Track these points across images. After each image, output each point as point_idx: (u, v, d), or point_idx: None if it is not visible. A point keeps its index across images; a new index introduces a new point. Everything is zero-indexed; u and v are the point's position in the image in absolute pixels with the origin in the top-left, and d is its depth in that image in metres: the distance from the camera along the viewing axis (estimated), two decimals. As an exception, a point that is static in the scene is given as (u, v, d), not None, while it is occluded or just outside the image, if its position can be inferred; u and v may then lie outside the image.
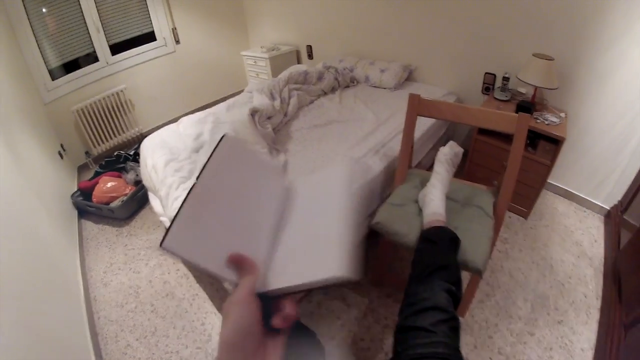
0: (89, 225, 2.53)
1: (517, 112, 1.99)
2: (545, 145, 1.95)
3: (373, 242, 1.71)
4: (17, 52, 2.75)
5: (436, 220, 1.28)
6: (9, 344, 1.05)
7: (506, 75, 2.23)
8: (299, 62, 3.89)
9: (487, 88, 2.40)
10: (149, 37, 3.58)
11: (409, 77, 2.82)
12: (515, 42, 2.18)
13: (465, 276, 1.68)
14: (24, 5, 2.76)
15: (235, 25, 4.24)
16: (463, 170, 2.31)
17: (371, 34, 3.00)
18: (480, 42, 2.34)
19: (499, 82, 2.32)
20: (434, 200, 1.34)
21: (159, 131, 2.25)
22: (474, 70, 2.44)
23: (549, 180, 2.29)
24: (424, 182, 1.48)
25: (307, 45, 3.71)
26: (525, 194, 2.11)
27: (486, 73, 2.37)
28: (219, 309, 1.78)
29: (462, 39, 2.42)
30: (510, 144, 1.38)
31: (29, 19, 2.82)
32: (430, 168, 1.52)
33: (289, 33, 3.85)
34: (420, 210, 1.39)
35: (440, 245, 1.17)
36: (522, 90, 2.23)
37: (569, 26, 1.93)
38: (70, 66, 3.20)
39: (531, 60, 1.93)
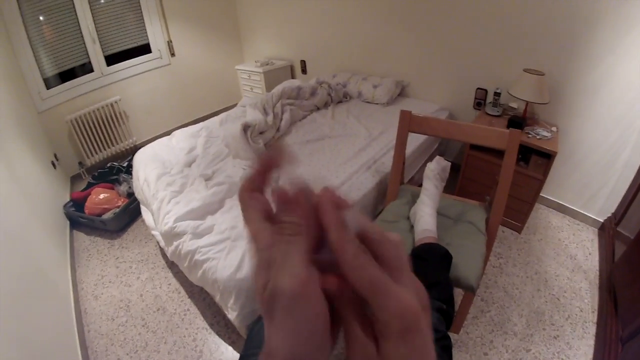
0: (80, 237, 2.51)
1: (508, 127, 2.01)
2: (537, 159, 1.96)
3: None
4: (12, 59, 2.74)
5: (427, 237, 1.28)
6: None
7: (497, 91, 2.25)
8: (292, 77, 3.88)
9: (479, 103, 2.42)
10: (144, 49, 3.58)
11: (402, 92, 2.84)
12: (506, 57, 2.20)
13: (459, 292, 1.68)
14: (21, 13, 2.76)
15: (230, 39, 4.26)
16: (456, 186, 2.31)
17: (364, 50, 3.03)
18: (472, 58, 2.36)
19: (490, 98, 2.34)
20: (424, 217, 1.34)
21: (152, 144, 2.25)
22: (466, 85, 2.46)
23: (542, 194, 2.30)
24: (415, 198, 1.48)
25: (301, 60, 3.73)
26: (518, 209, 2.11)
27: (478, 88, 2.39)
28: (211, 324, 1.76)
29: (454, 55, 2.45)
30: (503, 159, 1.38)
31: (25, 27, 2.81)
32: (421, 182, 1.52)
33: (283, 48, 3.87)
34: (412, 227, 1.39)
35: (430, 262, 1.16)
36: (514, 105, 2.25)
37: (558, 42, 1.96)
38: (65, 75, 3.19)
39: (522, 76, 1.95)
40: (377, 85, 2.73)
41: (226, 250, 1.35)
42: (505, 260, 2.01)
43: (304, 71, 3.77)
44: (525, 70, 1.95)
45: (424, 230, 1.30)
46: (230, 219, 1.50)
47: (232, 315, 1.37)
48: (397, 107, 2.53)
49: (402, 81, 2.81)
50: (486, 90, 2.36)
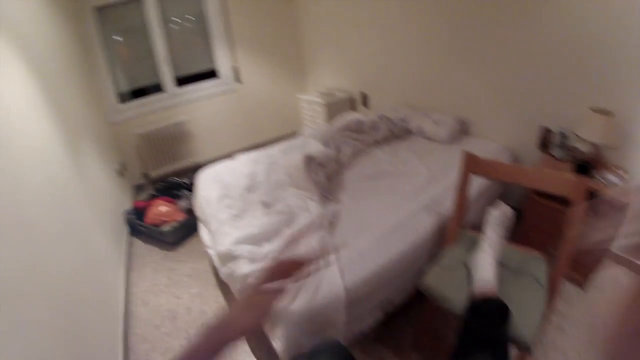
0: (137, 244, 2.66)
1: (575, 171, 1.91)
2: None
3: (418, 303, 1.67)
4: (91, 74, 3.04)
5: (486, 289, 1.23)
6: (47, 342, 1.11)
7: (563, 131, 2.14)
8: (353, 109, 3.88)
9: (544, 144, 2.31)
10: (212, 73, 3.84)
11: (464, 130, 2.77)
12: (573, 95, 2.08)
13: (513, 351, 1.57)
14: (101, 32, 3.09)
15: (294, 69, 4.40)
16: (517, 232, 2.18)
17: (426, 85, 3.02)
18: (536, 95, 2.27)
19: (555, 138, 2.24)
20: (485, 266, 1.30)
21: (215, 165, 2.35)
22: (530, 124, 2.37)
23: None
24: (475, 245, 1.44)
25: (362, 93, 3.72)
26: (582, 261, 1.96)
27: (542, 128, 2.29)
28: (253, 349, 1.76)
29: (518, 92, 2.37)
30: (568, 205, 1.32)
31: (104, 45, 3.13)
32: (481, 228, 1.48)
33: (344, 80, 3.91)
34: (469, 275, 1.35)
35: (488, 317, 1.12)
36: (580, 146, 2.12)
37: (627, 78, 1.83)
38: (138, 93, 3.49)
39: (589, 115, 1.85)
40: (438, 121, 2.68)
41: (280, 280, 1.37)
42: (566, 319, 1.86)
43: (364, 104, 3.75)
44: (592, 110, 1.84)
45: (483, 281, 1.25)
46: (287, 249, 1.52)
47: (277, 343, 1.38)
48: (458, 145, 2.49)
49: (463, 118, 2.75)
50: (551, 130, 2.25)
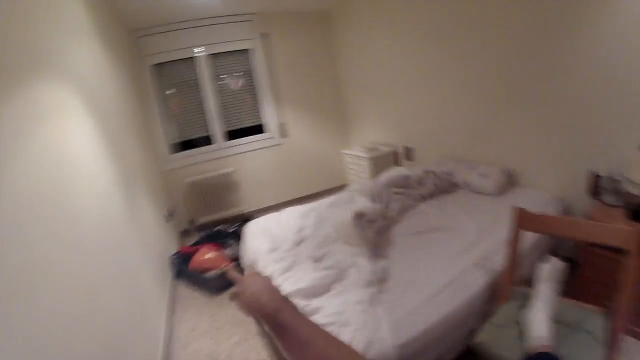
0: (181, 288, 2.72)
1: (629, 217, 1.83)
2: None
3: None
4: (146, 124, 3.31)
5: (540, 346, 1.20)
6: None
7: (613, 175, 2.06)
8: (397, 163, 3.89)
9: (594, 190, 2.23)
10: (259, 128, 4.08)
11: (511, 181, 2.70)
12: (621, 136, 1.99)
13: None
14: (155, 88, 3.41)
15: (338, 124, 4.56)
16: (572, 285, 2.08)
17: (470, 136, 3.01)
18: (583, 139, 2.19)
19: (607, 183, 2.15)
20: (538, 323, 1.26)
21: (263, 218, 2.42)
22: (578, 170, 2.27)
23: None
24: (528, 301, 1.40)
25: (406, 147, 3.73)
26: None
27: (592, 173, 2.22)
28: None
29: (563, 138, 2.31)
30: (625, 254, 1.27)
31: (158, 99, 3.44)
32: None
33: (388, 134, 3.97)
34: (522, 334, 1.31)
35: None
36: (634, 190, 2.02)
37: None
38: (188, 144, 3.75)
39: (638, 156, 1.79)
40: (484, 174, 2.64)
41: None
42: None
43: (408, 157, 3.74)
44: (641, 150, 1.78)
45: (537, 338, 1.22)
46: (337, 305, 1.52)
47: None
48: (506, 198, 2.44)
49: (510, 168, 2.69)
50: (602, 176, 2.16)
